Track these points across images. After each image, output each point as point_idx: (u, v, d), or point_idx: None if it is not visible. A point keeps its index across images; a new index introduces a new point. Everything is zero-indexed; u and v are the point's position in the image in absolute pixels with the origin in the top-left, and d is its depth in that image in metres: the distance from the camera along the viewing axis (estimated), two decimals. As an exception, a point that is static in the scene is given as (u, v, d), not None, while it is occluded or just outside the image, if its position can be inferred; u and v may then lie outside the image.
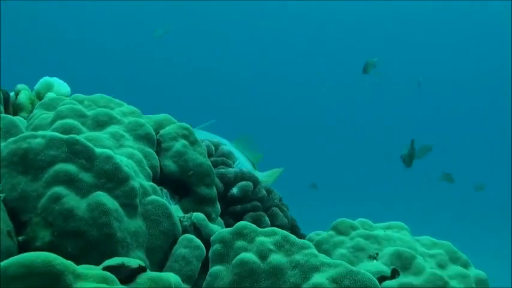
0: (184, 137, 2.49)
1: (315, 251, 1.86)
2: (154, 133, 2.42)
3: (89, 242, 1.86)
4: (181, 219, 2.23)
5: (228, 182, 2.84)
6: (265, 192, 2.89)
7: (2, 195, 1.95)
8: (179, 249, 2.05)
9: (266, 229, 1.93)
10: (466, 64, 24.09)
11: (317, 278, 1.77)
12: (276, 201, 2.92)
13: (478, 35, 23.60)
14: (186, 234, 2.11)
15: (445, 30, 24.09)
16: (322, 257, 1.84)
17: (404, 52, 24.44)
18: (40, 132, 2.00)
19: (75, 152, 1.97)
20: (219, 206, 2.54)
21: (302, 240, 1.91)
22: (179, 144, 2.45)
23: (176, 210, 2.30)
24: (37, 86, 3.01)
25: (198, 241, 2.08)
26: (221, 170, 2.87)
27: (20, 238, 1.88)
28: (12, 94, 3.02)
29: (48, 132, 2.00)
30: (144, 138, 2.37)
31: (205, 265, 2.08)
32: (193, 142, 2.51)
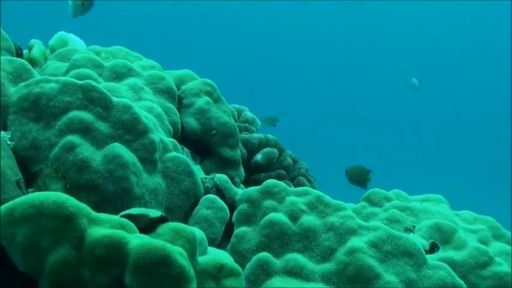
0: (208, 93, 2.31)
1: (351, 212, 1.68)
2: (175, 87, 2.24)
3: (104, 197, 1.70)
4: (203, 180, 2.06)
5: (252, 149, 2.67)
6: (291, 160, 2.71)
7: (11, 143, 1.78)
8: (201, 210, 1.88)
9: (298, 188, 1.75)
10: (466, 64, 23.81)
11: (354, 241, 1.59)
12: (302, 170, 2.74)
13: (478, 35, 23.33)
14: (209, 195, 1.94)
15: (445, 30, 23.86)
16: (360, 220, 1.67)
17: (406, 50, 24.26)
18: (53, 77, 1.83)
19: (91, 99, 1.80)
20: (242, 170, 2.37)
21: (337, 201, 1.73)
22: (202, 101, 2.27)
23: (198, 171, 2.13)
24: (51, 41, 2.84)
25: (222, 202, 1.91)
26: (244, 135, 2.69)
27: (30, 190, 1.72)
28: (25, 52, 2.86)
29: (62, 77, 1.83)
30: (165, 92, 2.20)
31: (228, 231, 1.92)
32: (217, 99, 2.33)
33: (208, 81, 2.34)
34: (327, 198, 1.72)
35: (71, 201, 1.18)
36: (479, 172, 20.83)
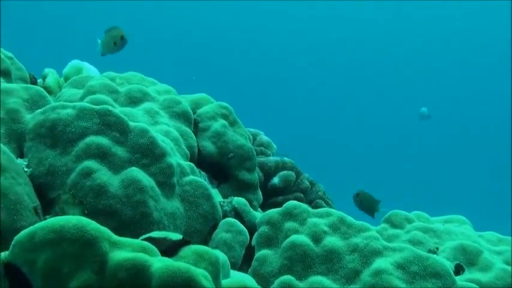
0: (224, 116, 2.30)
1: (375, 233, 1.65)
2: (191, 111, 2.23)
3: (123, 222, 1.67)
4: (222, 203, 2.03)
5: (269, 172, 2.64)
6: (308, 183, 2.68)
7: (28, 170, 1.77)
8: (220, 234, 1.85)
9: (319, 210, 1.72)
10: (465, 63, 23.77)
11: (380, 263, 1.55)
12: (320, 193, 2.71)
13: (478, 35, 23.35)
14: (228, 218, 1.91)
15: (445, 30, 23.91)
16: (384, 241, 1.63)
17: (407, 50, 24.30)
18: (70, 103, 1.82)
19: (108, 123, 1.79)
20: (260, 193, 2.34)
21: (360, 222, 1.69)
22: (218, 124, 2.26)
23: (216, 195, 2.10)
24: (65, 70, 2.85)
25: (241, 225, 1.88)
26: (260, 159, 2.67)
27: (47, 217, 1.69)
28: (39, 81, 2.87)
29: (79, 103, 1.82)
30: (181, 116, 2.19)
31: (247, 255, 1.88)
32: (233, 122, 2.31)
33: (224, 104, 2.33)
34: (350, 218, 1.69)
35: (92, 225, 1.15)
36: (479, 177, 20.62)
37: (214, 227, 1.90)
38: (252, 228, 1.94)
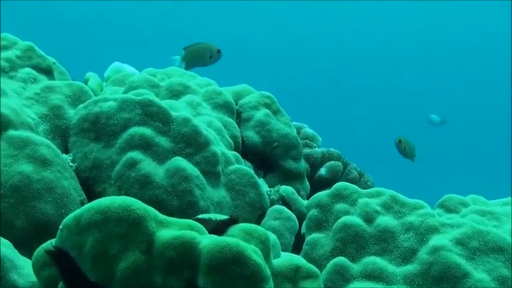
0: (266, 105, 2.26)
1: (430, 210, 1.58)
2: (233, 101, 2.20)
3: (169, 212, 1.65)
4: (268, 193, 1.98)
5: (315, 163, 2.59)
6: (356, 173, 2.62)
7: (73, 164, 1.77)
8: (269, 222, 1.81)
9: (370, 190, 1.66)
10: (465, 63, 23.30)
11: (437, 240, 1.48)
12: (369, 183, 2.64)
13: (478, 35, 22.83)
14: (276, 206, 1.87)
15: (445, 30, 23.48)
16: (440, 217, 1.55)
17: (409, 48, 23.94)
18: (111, 96, 1.82)
19: (150, 114, 1.77)
20: (307, 183, 2.29)
21: (414, 199, 1.62)
22: (261, 114, 2.22)
23: (262, 184, 2.06)
24: (107, 72, 2.87)
25: (290, 212, 1.83)
26: (306, 150, 2.62)
27: (94, 210, 1.68)
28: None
29: (120, 95, 1.81)
30: (223, 106, 2.16)
31: (296, 244, 1.83)
32: (276, 111, 2.27)
33: (266, 93, 2.30)
34: (403, 197, 1.62)
35: (138, 204, 1.13)
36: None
37: (262, 215, 1.86)
38: (301, 217, 1.90)
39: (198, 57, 2.87)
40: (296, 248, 1.83)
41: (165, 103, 1.99)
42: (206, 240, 1.10)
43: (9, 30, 2.19)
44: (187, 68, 2.85)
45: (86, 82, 2.85)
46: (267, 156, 2.21)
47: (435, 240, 1.47)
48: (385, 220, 1.55)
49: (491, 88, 23.31)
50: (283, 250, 1.76)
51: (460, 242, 1.46)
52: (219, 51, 2.86)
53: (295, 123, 2.95)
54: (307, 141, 2.80)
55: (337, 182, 2.46)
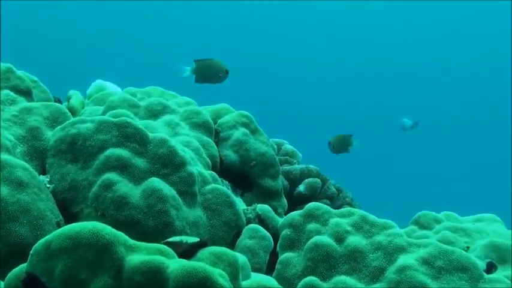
0: (245, 125, 2.29)
1: (398, 230, 1.62)
2: (211, 121, 2.23)
3: (145, 232, 1.68)
4: (245, 211, 2.02)
5: (294, 180, 2.62)
6: (335, 190, 2.65)
7: (50, 186, 1.79)
8: (244, 241, 1.84)
9: (341, 210, 1.70)
10: (465, 63, 23.48)
11: (404, 259, 1.52)
12: (347, 199, 2.67)
13: (478, 35, 23.02)
14: (251, 224, 1.90)
15: (445, 30, 23.65)
16: (408, 238, 1.59)
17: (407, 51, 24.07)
18: (89, 117, 1.84)
19: (126, 135, 1.80)
20: (285, 200, 2.32)
21: (383, 219, 1.66)
22: (239, 133, 2.25)
23: (239, 203, 2.09)
24: (89, 90, 2.89)
25: (265, 231, 1.86)
26: (285, 167, 2.65)
27: (71, 231, 1.70)
28: (65, 104, 2.91)
29: (98, 117, 1.84)
30: (201, 126, 2.19)
31: (272, 262, 1.86)
32: (255, 130, 2.31)
33: (244, 112, 2.33)
34: (372, 217, 1.66)
35: (108, 230, 1.15)
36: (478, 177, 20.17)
37: (238, 234, 1.89)
38: (277, 235, 1.92)
39: (208, 74, 2.91)
40: (271, 267, 1.85)
41: (142, 124, 2.02)
42: (174, 265, 1.13)
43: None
44: (197, 81, 2.89)
45: (68, 100, 2.87)
46: (245, 175, 2.25)
47: (402, 260, 1.51)
48: (355, 240, 1.59)
49: (491, 89, 23.38)
50: (258, 269, 1.79)
51: (426, 262, 1.50)
52: (227, 71, 2.90)
53: (276, 139, 2.99)
54: (288, 157, 2.84)
55: (316, 198, 2.50)
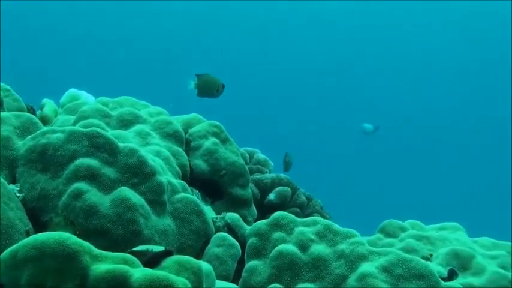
0: (215, 134, 2.34)
1: (361, 239, 1.67)
2: (182, 131, 2.27)
3: (114, 241, 1.70)
4: (214, 219, 2.05)
5: (265, 188, 2.66)
6: (305, 198, 2.70)
7: (20, 195, 1.81)
8: (212, 249, 1.87)
9: (306, 219, 1.75)
10: (465, 63, 23.73)
11: (365, 267, 1.57)
12: (317, 207, 2.72)
13: (478, 35, 23.26)
14: (219, 233, 1.93)
15: (445, 30, 23.87)
16: (370, 246, 1.64)
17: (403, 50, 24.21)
18: (59, 128, 1.87)
19: (96, 145, 1.83)
20: (255, 209, 2.36)
21: (346, 228, 1.71)
22: (209, 143, 2.29)
23: (209, 212, 2.13)
24: (62, 99, 2.90)
25: (233, 239, 1.90)
26: (257, 176, 2.69)
27: (40, 239, 1.72)
28: (38, 112, 2.92)
29: (68, 127, 1.87)
30: (172, 136, 2.23)
31: (240, 269, 1.90)
32: (225, 140, 2.35)
33: (215, 122, 2.37)
34: (336, 226, 1.71)
35: (73, 239, 1.18)
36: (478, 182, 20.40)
37: (207, 242, 1.92)
38: (245, 243, 1.96)
39: (208, 89, 3.00)
40: (239, 274, 1.89)
41: (113, 134, 2.05)
42: (138, 274, 1.16)
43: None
44: (199, 95, 2.97)
45: (41, 108, 2.88)
46: (215, 184, 2.28)
47: (363, 268, 1.55)
48: (319, 248, 1.63)
49: (491, 89, 23.53)
50: (226, 276, 1.83)
51: (385, 269, 1.55)
52: (223, 86, 2.99)
53: (248, 148, 3.03)
54: (259, 166, 2.88)
55: (286, 206, 2.55)
